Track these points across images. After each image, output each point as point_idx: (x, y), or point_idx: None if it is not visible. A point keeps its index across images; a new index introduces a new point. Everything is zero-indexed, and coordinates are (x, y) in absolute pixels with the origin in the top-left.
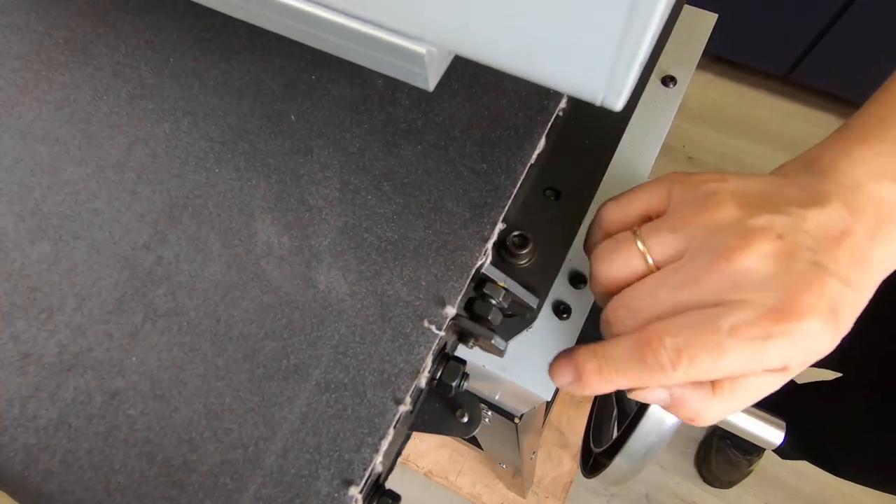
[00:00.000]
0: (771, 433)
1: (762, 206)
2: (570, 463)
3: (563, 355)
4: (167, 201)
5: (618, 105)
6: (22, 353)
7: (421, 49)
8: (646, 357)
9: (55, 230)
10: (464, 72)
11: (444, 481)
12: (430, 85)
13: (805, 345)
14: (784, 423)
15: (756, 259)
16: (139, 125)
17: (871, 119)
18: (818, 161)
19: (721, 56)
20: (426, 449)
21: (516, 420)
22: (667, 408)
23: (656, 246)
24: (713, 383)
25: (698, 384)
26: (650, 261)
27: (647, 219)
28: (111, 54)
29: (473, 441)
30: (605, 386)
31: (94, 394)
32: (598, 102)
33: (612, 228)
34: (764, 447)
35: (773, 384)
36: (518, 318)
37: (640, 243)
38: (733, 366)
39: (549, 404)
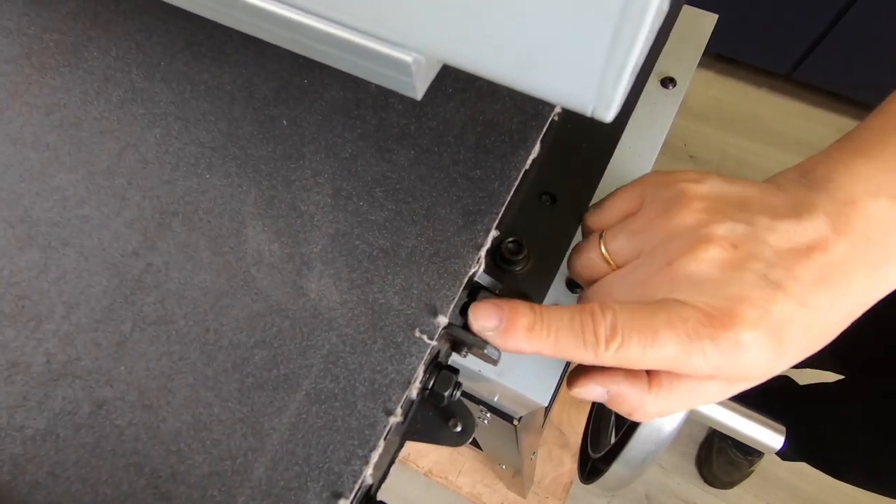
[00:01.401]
0: (771, 437)
1: (728, 213)
2: (570, 463)
3: (494, 300)
4: (157, 208)
5: (608, 116)
6: (10, 361)
7: (407, 57)
8: (584, 325)
9: (44, 237)
10: (457, 76)
11: (444, 481)
12: (419, 94)
13: (735, 356)
14: (784, 428)
15: (698, 264)
16: (130, 130)
17: (872, 132)
18: (814, 171)
19: (723, 54)
20: (426, 448)
21: (515, 422)
22: (606, 403)
23: (615, 248)
24: (651, 380)
25: (635, 379)
26: (611, 262)
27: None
28: (102, 58)
29: (473, 442)
30: (529, 344)
31: (81, 404)
32: (588, 113)
33: (592, 234)
34: (763, 451)
35: (712, 392)
36: None
37: (602, 246)
38: (661, 359)
39: (548, 406)
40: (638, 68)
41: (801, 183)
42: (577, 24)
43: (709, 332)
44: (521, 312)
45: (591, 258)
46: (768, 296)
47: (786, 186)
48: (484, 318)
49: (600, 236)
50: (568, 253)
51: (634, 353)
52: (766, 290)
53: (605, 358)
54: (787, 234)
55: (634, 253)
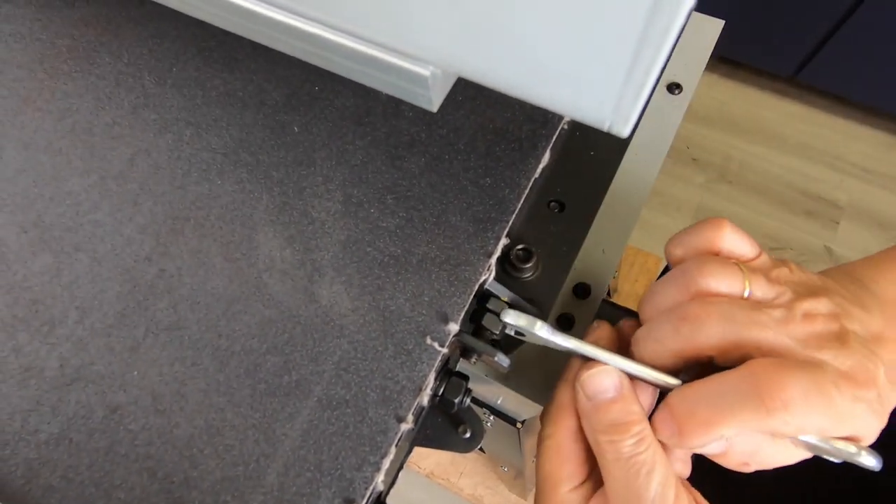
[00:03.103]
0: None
1: (818, 293)
2: None
3: (661, 409)
4: (169, 213)
5: (625, 132)
6: (23, 366)
7: (425, 71)
8: (764, 394)
9: (57, 242)
10: (468, 84)
11: (446, 483)
12: (434, 106)
13: (869, 417)
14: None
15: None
16: (142, 136)
17: None
18: (857, 273)
19: (727, 57)
20: (428, 450)
21: (518, 425)
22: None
23: (758, 285)
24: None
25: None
26: (747, 293)
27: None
28: (114, 63)
29: None
30: (704, 434)
31: (95, 408)
32: (604, 129)
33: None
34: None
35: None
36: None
37: (745, 276)
38: (829, 421)
39: None
40: (655, 84)
41: (848, 281)
42: (598, 41)
43: (859, 393)
44: (683, 409)
45: (732, 282)
46: (877, 363)
47: (838, 280)
48: (661, 432)
49: (739, 266)
50: (577, 260)
51: (815, 418)
52: (873, 357)
53: (792, 424)
54: (860, 319)
55: (769, 298)
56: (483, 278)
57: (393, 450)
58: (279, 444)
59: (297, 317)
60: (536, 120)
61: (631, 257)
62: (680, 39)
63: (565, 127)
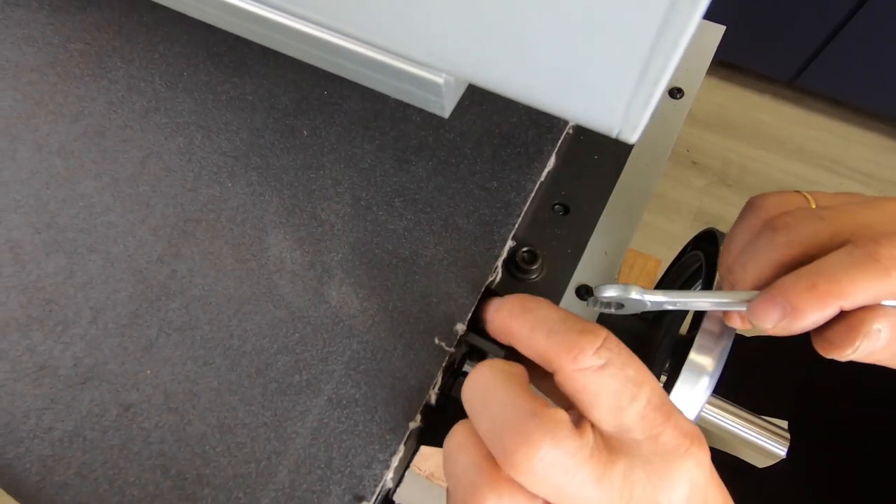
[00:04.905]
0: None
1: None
2: None
3: (764, 294)
4: (181, 215)
5: (633, 139)
6: (38, 364)
7: (438, 79)
8: (877, 255)
9: (70, 243)
10: (475, 90)
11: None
12: (446, 112)
13: None
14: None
15: None
16: (153, 139)
17: None
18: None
19: (726, 61)
20: (429, 452)
21: None
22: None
23: (822, 197)
24: None
25: None
26: (814, 206)
27: None
28: (126, 67)
29: None
30: (823, 305)
31: (108, 406)
32: (613, 135)
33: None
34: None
35: None
36: None
37: (806, 195)
38: None
39: None
40: (663, 93)
41: None
42: (610, 51)
43: None
44: (792, 282)
45: (793, 199)
46: None
47: None
48: (766, 317)
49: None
50: (580, 262)
51: None
52: None
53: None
54: None
55: (838, 202)
56: (490, 280)
57: (402, 448)
58: (290, 441)
59: (307, 317)
60: (542, 125)
61: (631, 259)
62: None
63: (570, 132)
